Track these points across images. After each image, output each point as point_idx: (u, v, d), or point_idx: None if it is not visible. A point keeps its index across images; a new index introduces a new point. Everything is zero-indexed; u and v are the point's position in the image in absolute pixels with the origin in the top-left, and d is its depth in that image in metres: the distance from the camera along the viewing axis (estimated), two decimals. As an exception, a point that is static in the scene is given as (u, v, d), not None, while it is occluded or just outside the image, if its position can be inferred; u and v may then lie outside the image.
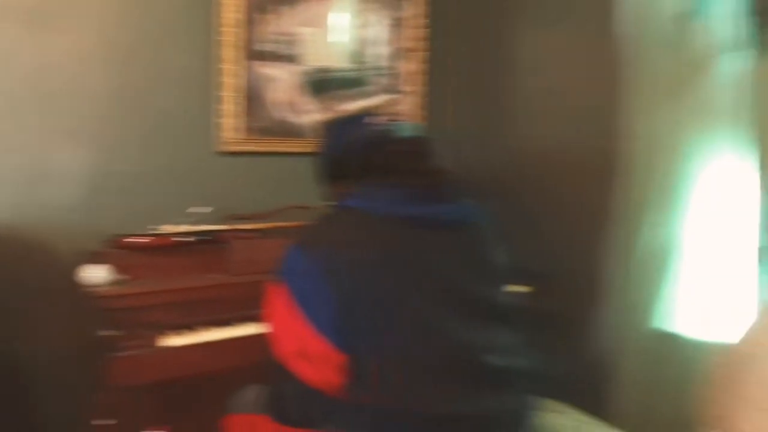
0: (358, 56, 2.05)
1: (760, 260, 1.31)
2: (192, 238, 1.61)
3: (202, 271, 1.56)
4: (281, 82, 1.92)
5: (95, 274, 1.43)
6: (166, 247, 1.57)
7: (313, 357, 0.94)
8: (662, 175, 1.51)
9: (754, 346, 1.03)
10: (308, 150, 1.93)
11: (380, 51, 2.10)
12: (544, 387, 1.34)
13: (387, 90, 2.14)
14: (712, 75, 1.43)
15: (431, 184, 1.06)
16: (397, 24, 2.11)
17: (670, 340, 1.48)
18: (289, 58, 1.92)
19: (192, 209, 1.69)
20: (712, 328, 1.41)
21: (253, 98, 1.88)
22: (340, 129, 1.18)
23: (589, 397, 1.49)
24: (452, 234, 1.03)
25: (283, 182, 1.89)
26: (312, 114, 1.98)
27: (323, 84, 1.98)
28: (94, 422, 1.37)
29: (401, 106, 2.16)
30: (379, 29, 2.08)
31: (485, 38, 2.05)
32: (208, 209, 1.70)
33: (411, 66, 2.14)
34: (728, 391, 1.02)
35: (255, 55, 1.85)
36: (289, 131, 1.95)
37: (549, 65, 1.85)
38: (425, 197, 1.04)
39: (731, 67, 1.38)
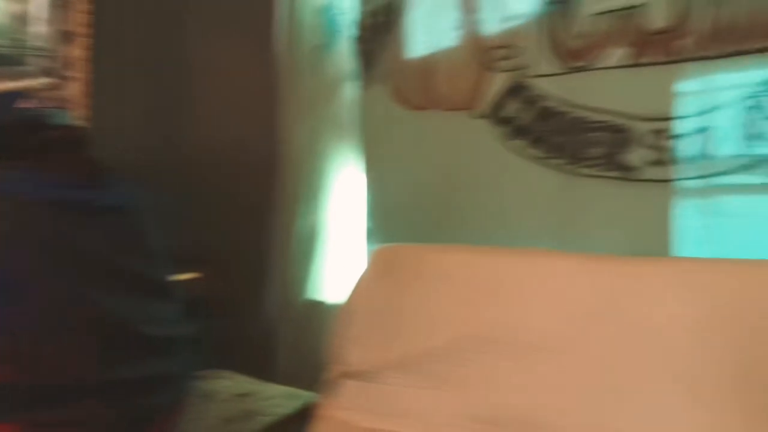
0: (13, 32, 1.91)
1: (368, 238, 1.76)
2: None
3: None
4: None
5: None
6: None
7: None
8: (310, 174, 1.87)
9: (354, 298, 1.43)
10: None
11: (40, 30, 1.99)
12: (209, 357, 1.55)
13: (47, 73, 2.04)
14: (339, 97, 1.84)
15: (84, 171, 1.12)
16: (61, 4, 2.03)
17: (319, 307, 1.85)
18: None
19: None
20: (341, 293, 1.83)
21: None
22: None
23: (255, 363, 1.76)
24: (105, 218, 1.11)
25: None
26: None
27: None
28: None
29: (62, 91, 2.08)
30: (39, 7, 1.98)
31: (155, 32, 2.13)
32: None
33: (75, 50, 2.08)
34: (341, 334, 1.40)
35: None
36: None
37: (220, 68, 2.06)
38: (75, 183, 1.09)
39: (351, 92, 1.81)
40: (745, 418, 1.02)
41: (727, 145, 1.28)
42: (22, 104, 1.16)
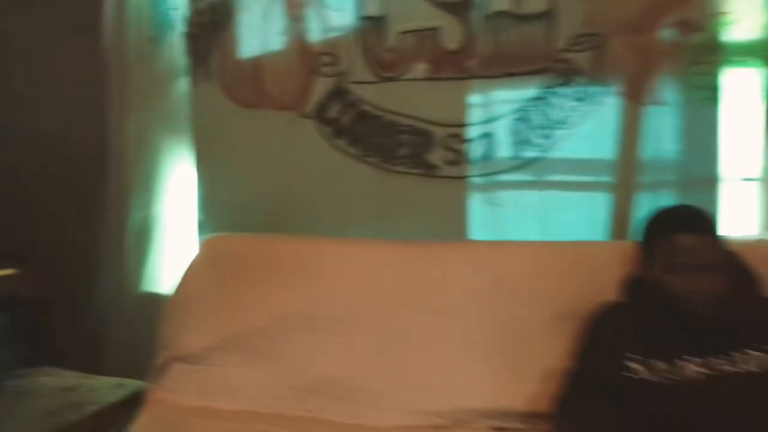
0: None
1: (199, 230, 1.83)
2: None
3: None
4: None
5: None
6: None
7: None
8: (142, 168, 1.88)
9: (183, 286, 1.51)
10: None
11: None
12: (29, 354, 1.52)
13: None
14: (171, 92, 1.88)
15: None
16: None
17: (154, 299, 1.86)
18: None
19: None
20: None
21: None
22: None
23: (85, 357, 1.74)
24: None
25: None
26: None
27: None
28: None
29: None
30: None
31: None
32: None
33: None
34: (171, 321, 1.47)
35: None
36: None
37: (45, 59, 1.97)
38: None
39: (183, 88, 1.85)
40: (509, 365, 1.29)
41: (504, 149, 1.56)
42: None
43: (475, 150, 1.57)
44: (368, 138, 1.65)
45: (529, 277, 1.36)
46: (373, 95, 1.64)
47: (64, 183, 1.95)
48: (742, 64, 1.43)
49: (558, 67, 1.50)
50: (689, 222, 1.12)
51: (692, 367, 1.05)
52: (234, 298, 1.43)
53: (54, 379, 1.57)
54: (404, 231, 1.62)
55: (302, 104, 1.71)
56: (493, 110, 1.56)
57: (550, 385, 1.21)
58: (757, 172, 1.47)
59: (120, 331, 1.88)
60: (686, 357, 1.06)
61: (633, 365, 1.08)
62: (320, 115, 1.70)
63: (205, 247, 1.58)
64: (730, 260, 1.13)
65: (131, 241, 1.88)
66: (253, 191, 1.77)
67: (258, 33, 1.77)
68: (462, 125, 1.57)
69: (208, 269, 1.53)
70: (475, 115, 1.57)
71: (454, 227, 1.60)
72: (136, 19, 1.85)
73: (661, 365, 1.06)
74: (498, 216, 1.58)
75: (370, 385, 1.34)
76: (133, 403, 1.45)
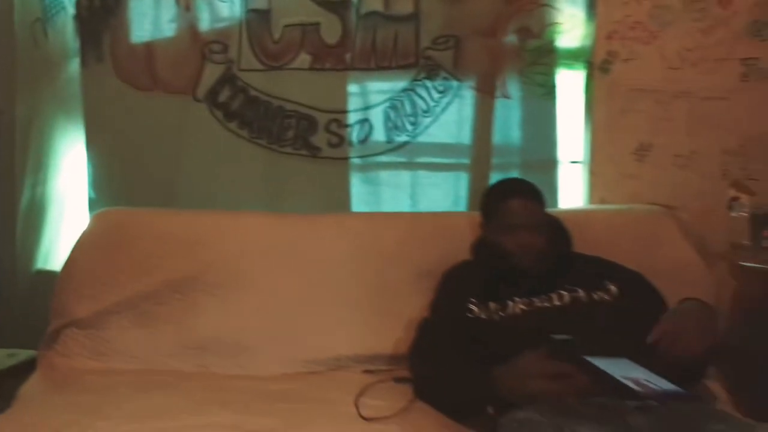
0: None
1: (89, 208, 1.88)
2: None
3: None
4: None
5: None
6: None
7: None
8: (33, 148, 1.91)
9: (74, 257, 1.58)
10: None
11: None
12: None
13: None
14: (62, 73, 1.92)
15: None
16: None
17: (49, 275, 1.87)
18: None
19: None
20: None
21: None
22: None
23: None
24: None
25: None
26: None
27: None
28: None
29: None
30: None
31: None
32: None
33: None
34: (62, 290, 1.54)
35: None
36: None
37: None
38: None
39: (74, 69, 1.90)
40: (377, 316, 1.49)
41: (379, 133, 1.77)
42: None
43: (354, 134, 1.77)
44: (257, 122, 1.80)
45: (396, 243, 1.57)
46: (261, 82, 1.79)
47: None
48: (570, 66, 1.74)
49: (423, 63, 1.73)
50: (516, 190, 1.38)
51: (518, 306, 1.29)
52: (124, 267, 1.53)
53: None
54: (292, 207, 1.78)
55: (194, 89, 1.83)
56: (369, 99, 1.77)
57: (411, 332, 1.43)
58: (582, 156, 1.78)
59: (14, 308, 1.89)
60: (514, 298, 1.30)
61: (472, 308, 1.31)
62: (212, 99, 1.82)
63: (95, 220, 1.66)
64: (549, 222, 1.40)
65: (23, 220, 1.90)
66: (146, 172, 1.86)
67: (149, 19, 1.86)
68: (342, 111, 1.77)
69: (98, 241, 1.61)
70: (353, 102, 1.77)
71: (336, 203, 1.79)
72: (23, 1, 1.88)
73: (493, 305, 1.30)
74: (374, 193, 1.79)
75: (255, 340, 1.48)
76: (24, 371, 1.50)
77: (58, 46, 1.91)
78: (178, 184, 1.85)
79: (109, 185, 1.89)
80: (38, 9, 1.90)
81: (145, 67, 1.85)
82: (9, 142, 1.90)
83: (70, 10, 1.89)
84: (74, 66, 1.90)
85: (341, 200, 1.79)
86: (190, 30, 1.83)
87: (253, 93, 1.80)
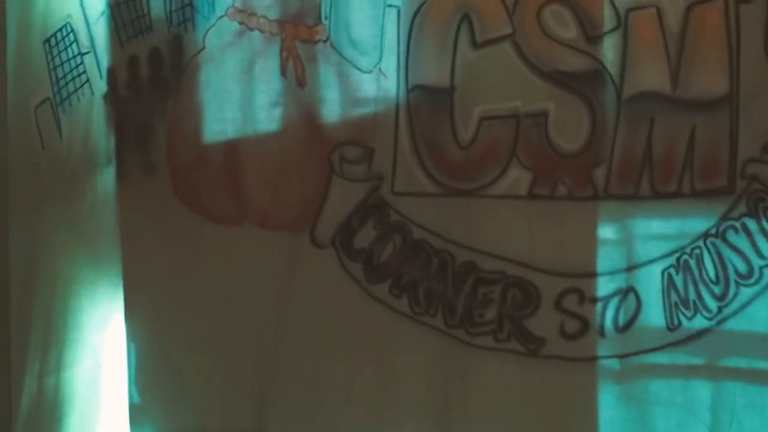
0: None
1: (132, 420, 1.12)
2: None
3: None
4: None
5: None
6: None
7: None
8: (46, 314, 1.15)
9: None
10: None
11: None
12: None
13: None
14: (86, 189, 1.16)
15: None
16: None
17: None
18: None
19: None
20: None
21: None
22: None
23: None
24: None
25: None
26: None
27: None
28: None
29: None
30: None
31: None
32: None
33: None
34: None
35: None
36: None
37: None
38: None
39: (106, 184, 1.14)
40: None
41: (654, 314, 0.97)
42: None
43: (609, 315, 0.97)
44: (427, 286, 1.01)
45: None
46: (435, 217, 1.00)
47: None
48: None
49: (745, 187, 0.93)
50: None
51: None
52: None
53: None
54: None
55: (312, 224, 1.06)
56: (636, 252, 0.96)
57: None
58: None
59: None
60: None
61: None
62: (343, 243, 1.04)
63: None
64: None
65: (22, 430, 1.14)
66: (227, 364, 1.08)
67: (233, 103, 1.09)
68: (588, 275, 0.96)
69: None
70: (607, 258, 0.97)
71: None
72: (18, 73, 1.13)
73: None
74: (643, 420, 0.98)
75: None
76: None
77: (77, 147, 1.16)
78: (278, 387, 1.07)
79: (164, 383, 1.11)
80: (45, 84, 1.15)
81: (225, 185, 1.08)
82: (3, 308, 1.14)
83: (99, 85, 1.13)
84: (106, 180, 1.14)
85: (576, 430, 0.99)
86: (305, 120, 1.06)
87: (418, 235, 1.02)
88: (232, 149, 1.09)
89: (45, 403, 1.15)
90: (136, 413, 1.12)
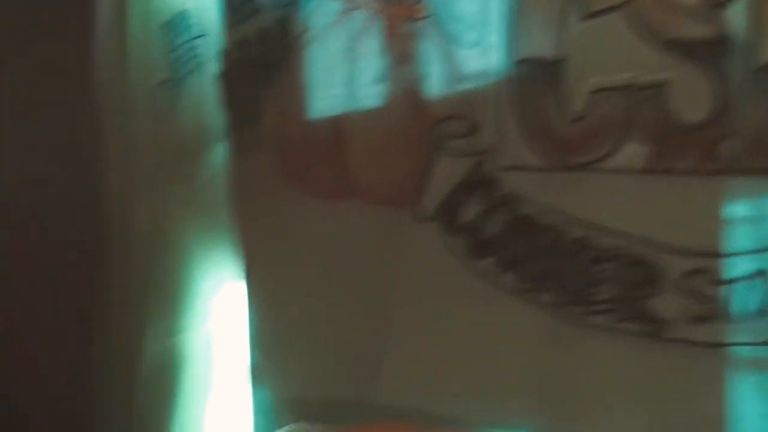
0: None
1: (253, 380, 1.18)
2: None
3: None
4: None
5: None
6: None
7: None
8: (164, 279, 1.24)
9: None
10: None
11: None
12: None
13: None
14: (202, 164, 1.23)
15: None
16: None
17: None
18: None
19: None
20: None
21: None
22: None
23: None
24: None
25: None
26: None
27: None
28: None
29: None
30: None
31: None
32: None
33: None
34: None
35: None
36: None
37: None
38: None
39: (222, 158, 1.20)
40: None
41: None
42: None
43: (739, 297, 0.91)
44: (535, 262, 1.00)
45: None
46: (544, 192, 0.98)
47: (43, 298, 1.27)
48: None
49: None
50: None
51: None
52: None
53: None
54: (600, 424, 0.97)
55: (415, 198, 1.06)
56: (770, 229, 0.90)
57: None
58: None
59: None
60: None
61: None
62: (448, 217, 1.04)
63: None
64: None
65: (143, 391, 1.23)
66: (337, 327, 1.12)
67: (339, 78, 1.11)
68: (713, 254, 0.91)
69: None
70: (737, 238, 0.91)
71: (695, 428, 0.94)
72: (140, 56, 1.20)
73: None
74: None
75: None
76: None
77: (193, 123, 1.23)
78: (387, 355, 1.09)
79: (281, 350, 1.17)
80: (163, 66, 1.22)
81: (329, 161, 1.11)
82: (127, 274, 1.23)
83: (212, 67, 1.19)
84: (219, 157, 1.21)
85: (707, 424, 0.94)
86: (408, 96, 1.06)
87: (526, 210, 1.00)
88: (337, 126, 1.11)
89: (163, 367, 1.24)
90: (256, 375, 1.19)
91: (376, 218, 1.09)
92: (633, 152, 0.93)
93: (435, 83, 1.05)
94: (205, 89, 1.20)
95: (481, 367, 1.02)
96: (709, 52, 0.90)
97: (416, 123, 1.06)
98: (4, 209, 1.25)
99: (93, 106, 1.20)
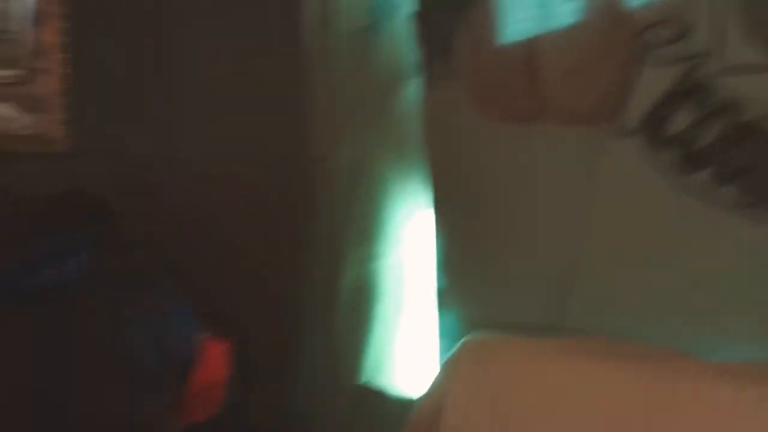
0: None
1: (439, 304, 1.22)
2: None
3: None
4: None
5: None
6: None
7: None
8: (364, 208, 1.34)
9: (438, 403, 0.92)
10: None
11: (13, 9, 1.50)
12: None
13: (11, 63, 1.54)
14: (396, 101, 1.30)
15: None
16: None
17: (374, 396, 1.33)
18: None
19: None
20: (407, 380, 1.31)
21: None
22: None
23: None
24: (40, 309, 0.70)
25: None
26: None
27: None
28: None
29: (33, 87, 1.58)
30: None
31: (138, 30, 1.56)
32: None
33: (46, 35, 1.58)
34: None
35: None
36: None
37: (226, 62, 1.49)
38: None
39: (413, 94, 1.26)
40: None
41: None
42: None
43: None
44: (761, 173, 0.89)
45: None
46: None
47: (252, 230, 1.44)
48: None
49: None
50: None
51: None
52: None
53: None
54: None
55: (615, 114, 1.01)
56: None
57: None
58: None
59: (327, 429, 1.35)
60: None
61: None
62: (653, 130, 0.98)
63: (465, 354, 0.97)
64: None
65: (344, 313, 1.34)
66: (529, 253, 1.11)
67: (531, 2, 1.10)
68: None
69: (469, 389, 0.92)
70: None
71: None
72: (343, 4, 1.30)
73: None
74: None
75: None
76: None
77: (390, 62, 1.30)
78: (580, 284, 1.05)
79: (468, 271, 1.20)
80: (364, 13, 1.31)
81: (522, 84, 1.10)
82: (330, 204, 1.34)
83: (408, 7, 1.25)
84: (412, 91, 1.26)
85: None
86: (608, 8, 1.02)
87: (748, 116, 0.90)
88: (531, 48, 1.10)
89: (362, 288, 1.33)
90: (443, 299, 1.23)
91: (571, 139, 1.06)
92: None
93: (636, -8, 0.99)
94: (400, 30, 1.27)
95: (688, 289, 0.94)
96: None
97: (617, 35, 1.01)
98: (225, 147, 1.44)
99: (299, 55, 1.33)
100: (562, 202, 1.07)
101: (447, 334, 1.20)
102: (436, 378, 1.04)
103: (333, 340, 1.34)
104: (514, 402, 0.91)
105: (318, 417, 1.35)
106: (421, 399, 1.05)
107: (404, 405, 1.19)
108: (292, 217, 1.39)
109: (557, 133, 1.07)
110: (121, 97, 1.53)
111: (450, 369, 0.99)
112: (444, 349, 1.18)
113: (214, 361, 0.97)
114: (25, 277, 0.72)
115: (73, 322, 0.76)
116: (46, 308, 0.74)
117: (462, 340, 1.02)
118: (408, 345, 1.33)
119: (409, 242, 1.32)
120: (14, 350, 0.71)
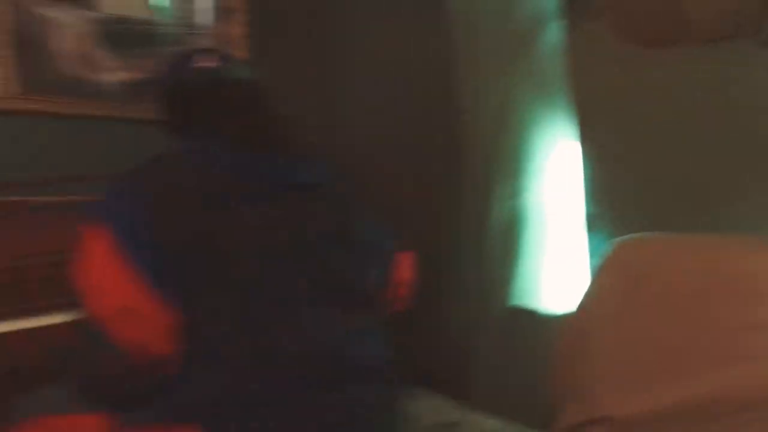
0: (168, 9, 1.77)
1: (589, 228, 1.33)
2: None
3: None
4: (68, 28, 1.58)
5: None
6: None
7: (140, 316, 0.80)
8: (506, 147, 1.49)
9: (588, 317, 1.01)
10: (106, 113, 1.63)
11: (198, 6, 1.84)
12: (405, 374, 1.24)
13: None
14: (538, 44, 1.43)
15: (272, 138, 0.96)
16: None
17: (526, 316, 1.47)
18: (77, 0, 1.59)
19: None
20: (556, 300, 1.42)
21: (27, 45, 1.52)
22: (168, 72, 1.06)
23: (446, 381, 1.41)
24: (306, 198, 0.93)
25: (74, 151, 1.56)
26: (115, 72, 1.66)
27: (122, 37, 1.66)
28: None
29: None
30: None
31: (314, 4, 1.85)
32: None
33: (233, 28, 1.90)
34: (575, 365, 0.99)
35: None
36: (80, 90, 1.61)
37: (382, 19, 1.71)
38: (267, 153, 0.94)
39: (555, 36, 1.38)
40: None
41: None
42: (200, 63, 1.02)
43: None
44: None
45: None
46: None
47: (412, 169, 1.64)
48: None
49: None
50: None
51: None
52: (673, 339, 0.88)
53: (429, 407, 1.20)
54: None
55: (755, 26, 1.07)
56: None
57: None
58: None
59: (484, 353, 1.50)
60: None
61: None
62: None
63: (617, 256, 1.07)
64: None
65: (496, 241, 1.49)
66: (670, 174, 1.19)
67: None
68: None
69: (623, 290, 1.01)
70: None
71: None
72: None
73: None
74: None
75: None
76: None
77: (530, 8, 1.43)
78: (725, 199, 1.11)
79: (615, 196, 1.30)
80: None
81: (661, 9, 1.18)
82: (480, 145, 1.50)
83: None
84: (553, 33, 1.39)
85: None
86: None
87: None
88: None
89: (510, 221, 1.47)
90: (592, 222, 1.34)
91: (712, 55, 1.12)
92: None
93: None
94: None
95: None
96: None
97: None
98: (383, 92, 1.64)
99: (444, 13, 1.49)
100: (705, 118, 1.14)
101: (597, 256, 1.30)
102: (587, 288, 1.11)
103: (485, 267, 1.49)
104: (662, 286, 0.98)
105: (473, 336, 1.50)
106: (572, 311, 1.12)
107: (555, 322, 1.31)
108: (443, 154, 1.56)
109: (698, 52, 1.14)
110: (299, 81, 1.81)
111: (601, 266, 1.08)
112: (594, 270, 1.28)
113: (405, 264, 1.14)
114: (294, 175, 0.95)
115: (326, 206, 0.97)
116: (309, 195, 0.95)
117: (612, 241, 1.11)
118: (557, 268, 1.44)
119: (555, 174, 1.43)
120: (294, 219, 0.90)
